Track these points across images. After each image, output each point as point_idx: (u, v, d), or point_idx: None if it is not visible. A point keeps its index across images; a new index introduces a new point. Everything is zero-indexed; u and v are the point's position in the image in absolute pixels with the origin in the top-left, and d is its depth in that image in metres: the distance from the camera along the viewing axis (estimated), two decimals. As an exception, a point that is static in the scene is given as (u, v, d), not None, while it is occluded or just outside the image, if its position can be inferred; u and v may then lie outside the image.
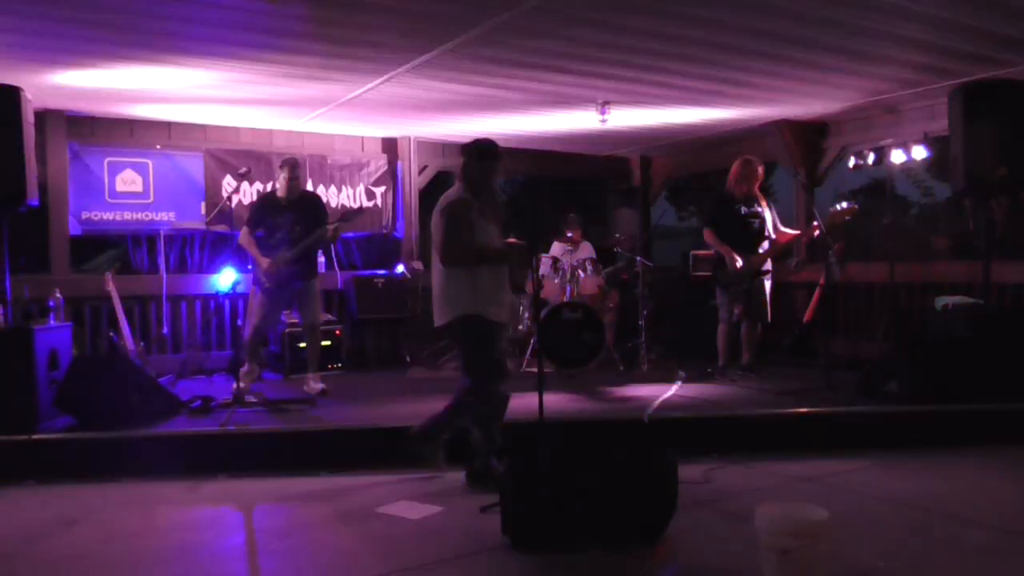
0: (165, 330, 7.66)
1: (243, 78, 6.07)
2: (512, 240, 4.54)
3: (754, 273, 6.61)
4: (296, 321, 7.06)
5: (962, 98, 5.80)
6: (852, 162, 7.33)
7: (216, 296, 7.74)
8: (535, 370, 4.39)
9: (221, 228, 7.83)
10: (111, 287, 6.71)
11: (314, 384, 6.34)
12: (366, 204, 8.69)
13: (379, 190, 8.80)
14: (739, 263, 6.56)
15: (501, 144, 4.54)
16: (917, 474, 4.61)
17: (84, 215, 7.36)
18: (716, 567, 3.31)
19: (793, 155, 8.13)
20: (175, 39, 5.14)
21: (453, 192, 4.45)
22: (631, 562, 3.36)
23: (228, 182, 7.87)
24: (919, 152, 6.79)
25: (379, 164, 8.80)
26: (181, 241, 8.06)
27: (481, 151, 4.46)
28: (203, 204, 7.82)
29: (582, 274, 7.46)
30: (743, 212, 6.69)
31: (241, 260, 8.03)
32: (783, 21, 4.92)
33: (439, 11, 4.71)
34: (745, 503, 3.89)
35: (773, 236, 6.77)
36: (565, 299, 7.25)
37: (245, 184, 7.96)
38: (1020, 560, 3.34)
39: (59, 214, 7.20)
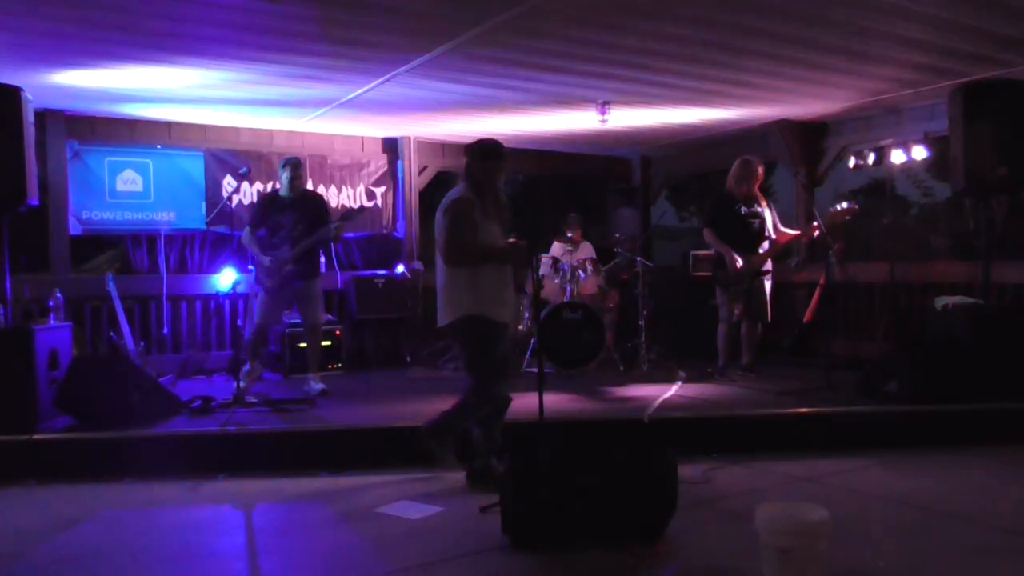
0: (165, 330, 7.66)
1: (244, 78, 6.07)
2: (512, 240, 4.55)
3: (754, 273, 6.61)
4: (297, 321, 7.06)
5: (962, 98, 5.80)
6: (852, 162, 7.33)
7: (216, 296, 7.74)
8: (535, 370, 4.39)
9: (221, 228, 7.83)
10: (111, 287, 6.71)
11: (314, 384, 6.33)
12: (366, 204, 8.69)
13: (379, 190, 8.80)
14: (739, 263, 6.56)
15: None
16: (917, 474, 4.62)
17: (84, 215, 7.36)
18: (716, 567, 3.31)
19: (793, 155, 8.13)
20: (176, 39, 5.14)
21: (456, 192, 4.45)
22: (631, 562, 3.36)
23: (228, 182, 7.87)
24: (919, 152, 6.79)
25: (379, 164, 8.80)
26: (181, 241, 8.05)
27: (485, 151, 4.45)
28: (203, 204, 7.82)
29: (582, 274, 7.46)
30: (743, 212, 6.68)
31: (241, 260, 8.03)
32: (783, 21, 4.92)
33: (439, 11, 4.71)
34: (745, 503, 3.89)
35: (773, 236, 6.77)
36: (565, 299, 7.25)
37: (245, 184, 7.97)
38: (1021, 559, 3.34)
39: (59, 214, 7.20)
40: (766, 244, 6.72)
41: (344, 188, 8.58)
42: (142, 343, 7.03)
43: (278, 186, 7.92)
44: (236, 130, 8.06)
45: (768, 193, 9.11)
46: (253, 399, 5.91)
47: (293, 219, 6.28)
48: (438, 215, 4.41)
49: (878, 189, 13.85)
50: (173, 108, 7.19)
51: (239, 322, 7.74)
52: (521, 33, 5.08)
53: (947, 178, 6.34)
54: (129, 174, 7.57)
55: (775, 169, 12.43)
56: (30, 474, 4.71)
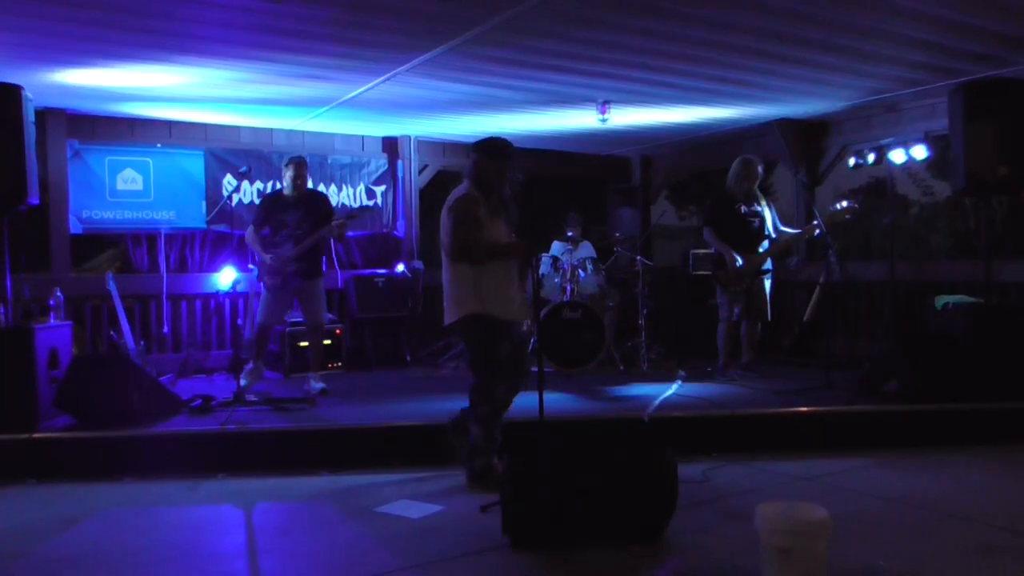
0: (165, 329, 7.66)
1: (244, 77, 6.07)
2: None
3: (754, 272, 6.61)
4: (297, 320, 7.06)
5: (962, 97, 5.80)
6: (852, 161, 7.33)
7: (216, 295, 7.73)
8: (535, 370, 4.38)
9: (221, 227, 7.83)
10: (111, 286, 6.71)
11: (314, 383, 6.33)
12: (366, 203, 8.69)
13: (379, 189, 8.80)
14: (739, 262, 6.56)
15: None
16: (917, 473, 4.62)
17: (84, 214, 7.36)
18: (716, 566, 3.32)
19: (793, 154, 8.13)
20: (176, 38, 5.14)
21: (461, 189, 4.44)
22: (631, 562, 3.36)
23: (228, 181, 7.87)
24: (919, 151, 6.79)
25: (379, 163, 8.80)
26: (181, 240, 8.05)
27: (493, 149, 4.45)
28: (203, 203, 7.82)
29: (582, 273, 7.46)
30: (743, 211, 6.68)
31: (241, 259, 8.03)
32: (783, 20, 4.92)
33: (440, 10, 4.70)
34: (745, 502, 3.89)
35: (773, 235, 6.77)
36: (565, 299, 7.24)
37: (245, 183, 7.96)
38: (1021, 559, 3.34)
39: (59, 213, 7.20)
40: (766, 243, 6.72)
41: (344, 187, 8.58)
42: (142, 342, 7.03)
43: (279, 185, 7.96)
44: (236, 129, 8.06)
45: (768, 192, 9.10)
46: (253, 398, 5.92)
47: (296, 218, 6.28)
48: (443, 213, 4.41)
49: (878, 188, 13.84)
50: (173, 107, 7.19)
51: (239, 321, 7.75)
52: (521, 32, 5.07)
53: (947, 177, 6.35)
54: (129, 173, 7.56)
55: (775, 168, 12.45)
56: (30, 473, 4.72)
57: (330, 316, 7.61)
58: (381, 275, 8.33)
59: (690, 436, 5.06)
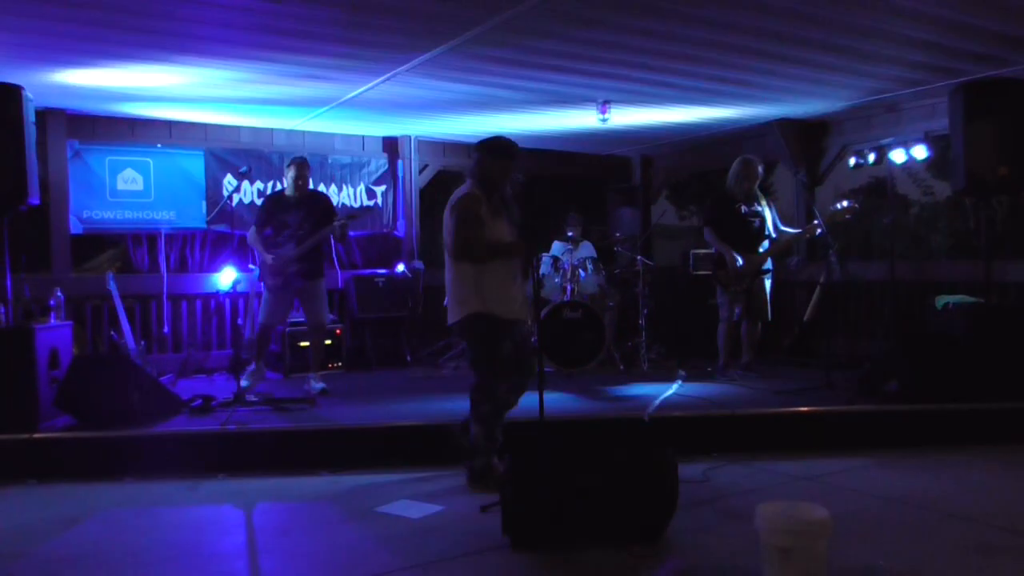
0: (166, 329, 7.66)
1: (244, 77, 6.07)
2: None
3: (754, 272, 6.61)
4: (298, 320, 7.06)
5: (963, 97, 5.80)
6: (852, 161, 7.33)
7: (217, 295, 7.74)
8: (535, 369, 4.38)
9: (222, 227, 7.83)
10: (112, 286, 6.71)
11: (315, 383, 6.33)
12: (367, 203, 8.69)
13: (380, 189, 8.80)
14: (739, 262, 6.56)
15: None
16: (917, 473, 4.62)
17: (85, 214, 7.36)
18: (716, 566, 3.32)
19: (793, 154, 8.13)
20: (176, 38, 5.14)
21: (464, 189, 4.45)
22: (631, 562, 3.36)
23: (229, 181, 7.87)
24: (920, 151, 6.79)
25: (380, 163, 8.80)
26: (182, 240, 8.05)
27: (496, 148, 4.44)
28: (204, 203, 7.83)
29: (582, 273, 7.46)
30: (743, 211, 6.68)
31: (241, 259, 8.03)
32: (783, 20, 4.92)
33: (440, 10, 4.70)
34: (745, 502, 3.89)
35: (773, 235, 6.77)
36: (565, 298, 7.24)
37: (246, 183, 7.96)
38: (1021, 559, 3.34)
39: (60, 213, 7.20)
40: (766, 243, 6.72)
41: (345, 187, 8.58)
42: (142, 342, 7.04)
43: (280, 185, 7.97)
44: (236, 129, 8.06)
45: (768, 192, 9.10)
46: (253, 398, 5.92)
47: (298, 218, 6.28)
48: (446, 213, 4.41)
49: (878, 188, 13.84)
50: (174, 107, 7.19)
51: (239, 321, 7.75)
52: (521, 32, 5.07)
53: (947, 177, 6.34)
54: (130, 173, 7.57)
55: (775, 168, 12.44)
56: (30, 473, 4.72)
57: (331, 316, 7.61)
58: (381, 275, 8.33)
59: (690, 436, 5.05)
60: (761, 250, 6.68)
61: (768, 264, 6.70)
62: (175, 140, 7.76)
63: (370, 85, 6.37)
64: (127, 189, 7.55)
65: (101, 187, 7.42)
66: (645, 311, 7.45)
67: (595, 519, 3.51)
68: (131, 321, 6.96)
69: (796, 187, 8.43)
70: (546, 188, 11.73)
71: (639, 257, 7.55)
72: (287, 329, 7.28)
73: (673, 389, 6.26)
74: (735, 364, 6.83)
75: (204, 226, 7.89)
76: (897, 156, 6.85)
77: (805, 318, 7.60)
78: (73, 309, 6.86)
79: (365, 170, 8.72)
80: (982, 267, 6.12)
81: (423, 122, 8.05)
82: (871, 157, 7.03)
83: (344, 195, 8.55)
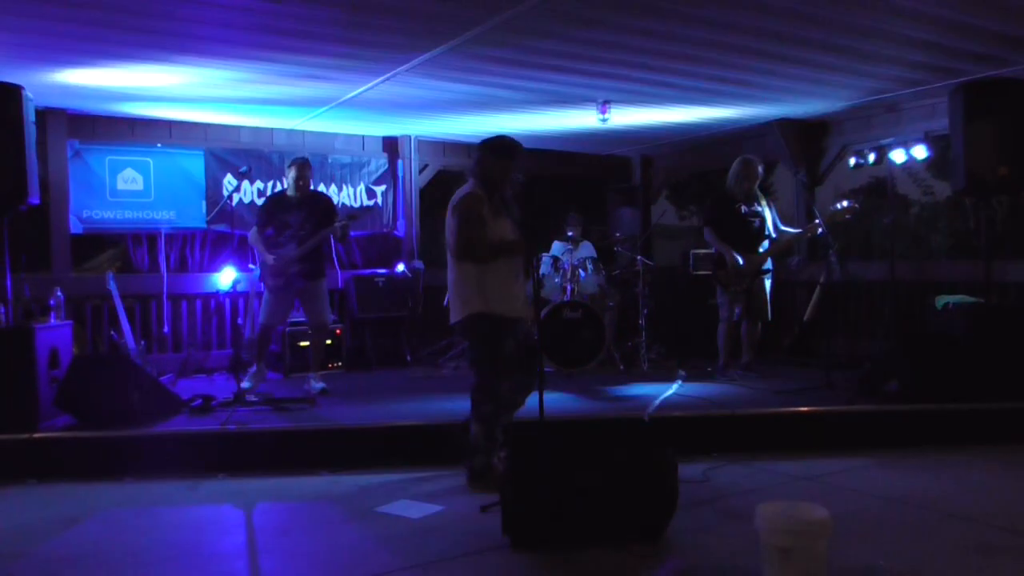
0: (166, 329, 7.66)
1: (244, 77, 6.07)
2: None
3: (754, 272, 6.61)
4: (298, 320, 7.06)
5: (963, 97, 5.80)
6: (852, 161, 7.33)
7: (216, 295, 7.75)
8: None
9: (221, 227, 7.83)
10: (112, 286, 6.71)
11: (315, 383, 6.33)
12: (367, 203, 8.69)
13: (380, 189, 8.80)
14: (740, 262, 6.56)
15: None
16: (917, 473, 4.62)
17: (85, 214, 7.36)
18: (716, 566, 3.32)
19: (793, 154, 8.13)
20: (177, 38, 5.14)
21: (466, 188, 4.45)
22: (631, 562, 3.36)
23: (229, 181, 7.87)
24: (920, 151, 6.79)
25: (380, 163, 8.80)
26: (182, 240, 8.04)
27: (499, 148, 4.44)
28: (204, 203, 7.83)
29: (582, 273, 7.46)
30: (743, 211, 6.68)
31: (241, 259, 8.03)
32: (783, 20, 4.92)
33: (440, 10, 4.70)
34: (745, 502, 3.89)
35: (773, 235, 6.77)
36: (565, 298, 7.25)
37: (246, 183, 7.96)
38: (1021, 559, 3.34)
39: (60, 213, 7.20)
40: (766, 243, 6.72)
41: (345, 187, 8.58)
42: (142, 342, 7.04)
43: (279, 185, 7.97)
44: (236, 129, 8.06)
45: (768, 192, 9.10)
46: (253, 398, 5.92)
47: (300, 218, 6.28)
48: (448, 213, 4.41)
49: (879, 188, 13.84)
50: (174, 107, 7.19)
51: (239, 321, 7.75)
52: (521, 32, 5.07)
53: (948, 177, 6.34)
54: (130, 173, 7.57)
55: (775, 168, 12.44)
56: (30, 473, 4.72)
57: (331, 316, 7.61)
58: (381, 275, 8.33)
59: (690, 436, 5.05)
60: (761, 250, 6.68)
61: (768, 264, 6.70)
62: (175, 140, 7.76)
63: (370, 85, 6.37)
64: (127, 189, 7.55)
65: (101, 187, 7.42)
66: (645, 311, 7.45)
67: (595, 519, 3.50)
68: (131, 321, 6.96)
69: (796, 187, 8.43)
70: (546, 188, 11.73)
71: (639, 257, 7.55)
72: (287, 329, 7.28)
73: (673, 389, 6.26)
74: (735, 364, 6.83)
75: (204, 226, 7.89)
76: (897, 156, 6.85)
77: (805, 318, 7.60)
78: (73, 309, 6.86)
79: (365, 170, 8.72)
80: (982, 267, 6.12)
81: (423, 122, 8.05)
82: (871, 157, 7.03)
83: (344, 195, 8.55)
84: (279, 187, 7.91)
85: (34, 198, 5.38)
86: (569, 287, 7.36)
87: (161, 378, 6.30)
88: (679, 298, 8.52)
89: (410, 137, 8.76)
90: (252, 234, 6.49)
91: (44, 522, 4.00)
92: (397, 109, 7.33)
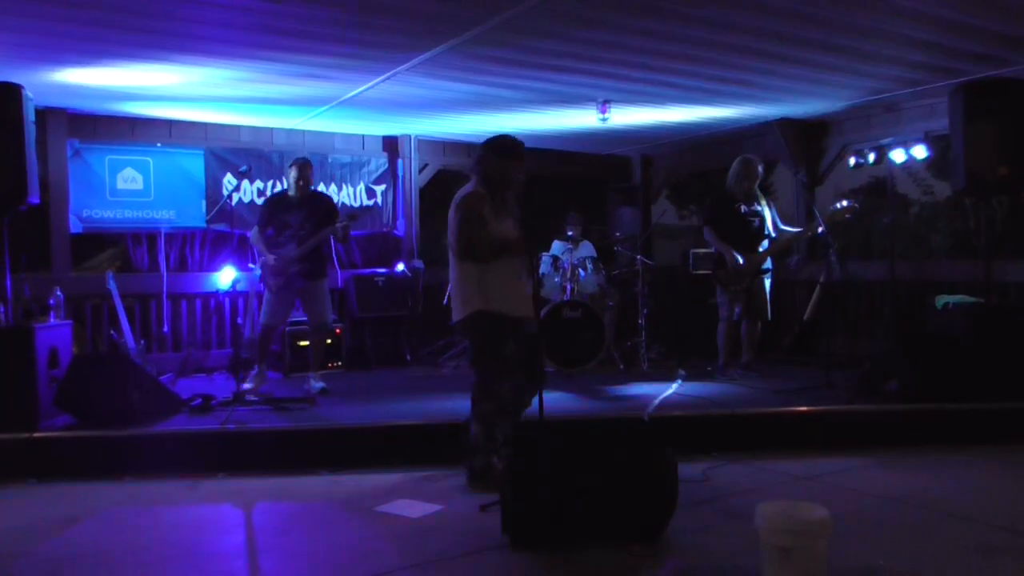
0: (165, 328, 7.66)
1: (244, 76, 6.07)
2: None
3: (754, 272, 6.61)
4: (298, 319, 7.05)
5: (962, 97, 5.80)
6: (852, 161, 7.32)
7: (216, 294, 7.75)
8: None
9: (221, 226, 7.83)
10: (111, 285, 6.71)
11: (314, 383, 6.33)
12: (366, 202, 8.69)
13: (379, 188, 8.80)
14: (740, 261, 6.56)
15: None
16: (917, 473, 4.62)
17: (85, 213, 7.36)
18: (716, 566, 3.32)
19: (793, 154, 8.13)
20: (177, 38, 5.14)
21: (468, 187, 4.45)
22: (631, 561, 3.36)
23: (228, 180, 7.87)
24: (919, 151, 6.79)
25: (379, 162, 8.80)
26: (181, 239, 8.04)
27: (501, 148, 4.43)
28: (203, 202, 7.82)
29: (582, 273, 7.46)
30: (743, 211, 6.68)
31: (241, 258, 8.03)
32: (783, 20, 4.92)
33: (441, 9, 4.70)
34: (745, 502, 3.89)
35: (773, 235, 6.77)
36: (565, 298, 7.25)
37: (245, 182, 7.96)
38: (1020, 558, 3.34)
39: (60, 212, 7.20)
40: (766, 243, 6.73)
41: (344, 186, 8.58)
42: (142, 341, 7.04)
43: (279, 184, 7.97)
44: (236, 128, 8.06)
45: (768, 192, 9.10)
46: (253, 397, 5.92)
47: (300, 219, 6.28)
48: (450, 212, 4.41)
49: (878, 188, 13.84)
50: (174, 107, 7.19)
51: (239, 320, 7.75)
52: (522, 32, 5.07)
53: (947, 177, 6.34)
54: (129, 172, 7.56)
55: (775, 168, 12.45)
56: (30, 472, 4.72)
57: (332, 316, 7.62)
58: (381, 274, 8.33)
59: (690, 435, 5.04)
60: (761, 250, 6.68)
61: (768, 263, 6.70)
62: (175, 139, 7.76)
63: (370, 84, 6.36)
64: (127, 188, 7.55)
65: (101, 186, 7.42)
66: (645, 311, 7.45)
67: (595, 518, 3.50)
68: (131, 320, 6.96)
69: (796, 187, 8.43)
70: (546, 188, 11.72)
71: (639, 257, 7.55)
72: (287, 328, 7.28)
73: (673, 389, 6.26)
74: (735, 363, 6.83)
75: (204, 225, 7.89)
76: (897, 156, 6.85)
77: (805, 317, 7.60)
78: (73, 308, 6.85)
79: (365, 169, 8.72)
80: (982, 267, 6.12)
81: (423, 121, 8.05)
82: (871, 157, 7.02)
83: (344, 194, 8.55)
84: (279, 187, 7.92)
85: (34, 198, 5.38)
86: (569, 287, 7.36)
87: (161, 377, 6.30)
88: (679, 298, 8.52)
89: (410, 136, 8.76)
90: (253, 234, 6.50)
91: (44, 521, 4.00)
92: (397, 108, 7.33)
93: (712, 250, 6.87)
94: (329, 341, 7.37)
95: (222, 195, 7.72)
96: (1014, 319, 5.76)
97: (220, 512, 4.21)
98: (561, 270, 7.46)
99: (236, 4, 4.54)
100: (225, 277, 7.60)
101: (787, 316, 7.99)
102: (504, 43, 5.29)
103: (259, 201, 7.87)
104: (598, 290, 7.58)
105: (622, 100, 6.94)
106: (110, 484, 4.62)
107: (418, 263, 8.55)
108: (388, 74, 6.04)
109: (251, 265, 7.53)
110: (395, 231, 8.89)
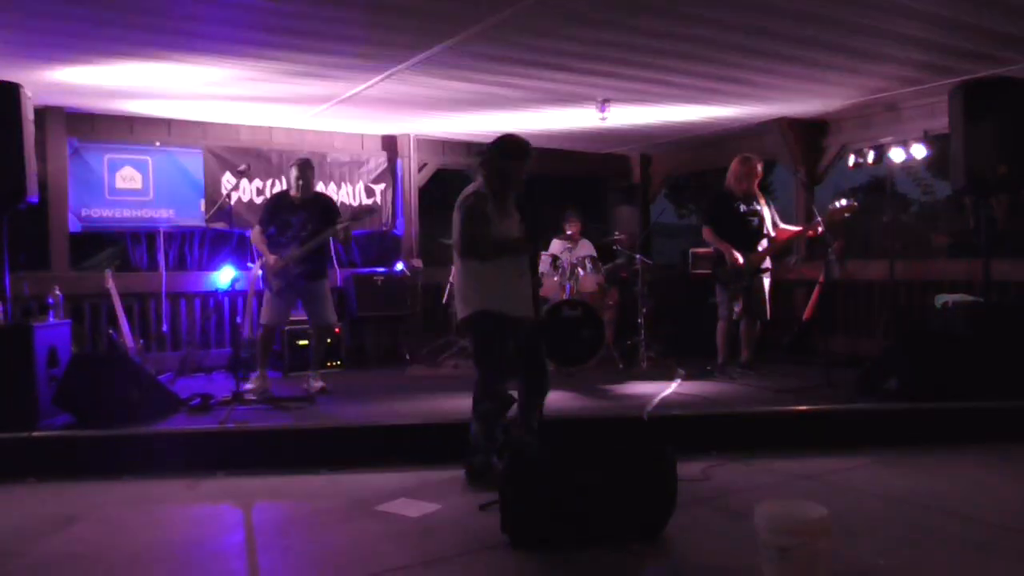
0: (164, 327, 7.66)
1: (244, 75, 6.06)
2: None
3: (753, 270, 6.61)
4: (298, 318, 7.05)
5: (962, 96, 5.79)
6: (852, 160, 7.32)
7: (215, 293, 7.74)
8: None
9: (220, 225, 7.83)
10: (110, 284, 6.71)
11: (314, 382, 6.33)
12: (365, 202, 8.69)
13: (379, 188, 8.80)
14: (739, 260, 6.56)
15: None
16: (917, 472, 4.61)
17: (84, 212, 7.35)
18: (715, 565, 3.31)
19: (793, 153, 8.13)
20: (176, 36, 5.13)
21: (472, 187, 4.45)
22: (631, 560, 3.36)
23: (227, 179, 7.86)
24: (919, 150, 6.79)
25: (379, 161, 8.79)
26: (180, 238, 8.06)
27: (506, 148, 4.43)
28: (202, 201, 7.82)
29: (581, 272, 7.46)
30: (742, 210, 6.68)
31: (240, 257, 8.03)
32: (783, 19, 4.92)
33: (440, 8, 4.70)
34: (744, 501, 3.89)
35: (772, 234, 6.77)
36: (564, 297, 7.24)
37: (244, 181, 7.95)
38: (1020, 558, 3.34)
39: (59, 211, 7.19)
40: (765, 242, 6.73)
41: (344, 185, 8.57)
42: (141, 340, 7.03)
43: (278, 183, 7.97)
44: (235, 127, 8.05)
45: (768, 191, 9.11)
46: (253, 396, 5.91)
47: (302, 219, 6.26)
48: (454, 211, 4.41)
49: (878, 187, 13.85)
50: (173, 105, 7.18)
51: (238, 319, 7.74)
52: (521, 31, 5.07)
53: (947, 176, 6.33)
54: (128, 171, 7.56)
55: (775, 167, 12.46)
56: (29, 471, 4.71)
57: (334, 316, 7.61)
58: (380, 274, 8.33)
59: (689, 434, 5.05)
60: (760, 249, 6.68)
61: (767, 262, 6.70)
62: (174, 138, 7.76)
63: (369, 83, 6.36)
64: (126, 187, 7.54)
65: (100, 185, 7.42)
66: (644, 309, 7.45)
67: (594, 517, 3.50)
68: (130, 319, 6.96)
69: (796, 186, 8.43)
70: (545, 186, 11.74)
71: (638, 255, 7.55)
72: (286, 328, 7.27)
73: (672, 387, 6.26)
74: (734, 362, 6.83)
75: (203, 224, 7.88)
76: (896, 155, 6.84)
77: (804, 316, 7.60)
78: (72, 307, 6.84)
79: (364, 168, 8.71)
80: (981, 266, 6.11)
81: (422, 120, 8.04)
82: (870, 156, 7.02)
83: (343, 193, 8.54)
84: (278, 185, 7.91)
85: (33, 196, 5.38)
86: (568, 285, 7.36)
87: (160, 377, 6.29)
88: (678, 296, 8.52)
89: (409, 135, 8.76)
90: (254, 234, 6.48)
91: (43, 521, 3.99)
92: (396, 107, 7.33)
93: (711, 249, 6.87)
94: (328, 341, 7.36)
95: (221, 194, 7.71)
96: (1014, 318, 5.76)
97: (219, 511, 4.21)
98: (560, 269, 7.46)
99: (235, 2, 4.53)
100: (224, 276, 7.60)
101: (786, 315, 7.99)
102: (504, 42, 5.29)
103: (258, 200, 7.87)
104: (597, 289, 7.58)
105: (621, 99, 6.93)
106: (109, 483, 4.61)
107: (417, 262, 8.55)
108: (387, 73, 6.04)
109: (250, 264, 7.52)
110: (394, 230, 8.88)
